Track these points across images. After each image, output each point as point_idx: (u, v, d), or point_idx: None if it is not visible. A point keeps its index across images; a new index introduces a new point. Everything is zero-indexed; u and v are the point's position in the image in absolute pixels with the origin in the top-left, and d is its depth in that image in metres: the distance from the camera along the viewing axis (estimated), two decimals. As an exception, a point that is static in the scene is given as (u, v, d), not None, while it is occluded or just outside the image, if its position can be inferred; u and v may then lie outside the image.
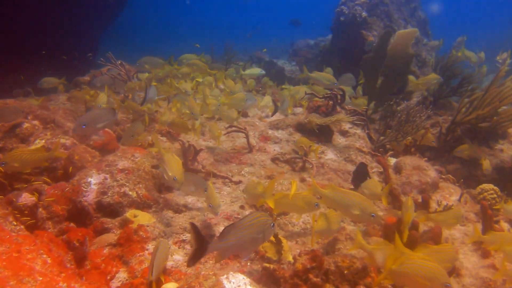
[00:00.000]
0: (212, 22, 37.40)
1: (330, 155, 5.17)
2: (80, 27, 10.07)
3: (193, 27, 34.99)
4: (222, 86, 6.73)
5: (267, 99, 6.00)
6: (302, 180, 4.40)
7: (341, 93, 6.08)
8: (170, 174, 2.82)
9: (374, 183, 3.48)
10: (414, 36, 7.25)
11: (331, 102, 6.00)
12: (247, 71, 8.06)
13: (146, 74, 6.82)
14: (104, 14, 11.51)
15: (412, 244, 2.89)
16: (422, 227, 3.59)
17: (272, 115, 6.12)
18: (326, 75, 5.54)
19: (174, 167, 2.86)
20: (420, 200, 4.12)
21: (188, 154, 3.97)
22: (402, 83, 6.96)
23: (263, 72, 7.88)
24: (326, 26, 15.42)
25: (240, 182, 4.10)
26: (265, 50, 15.06)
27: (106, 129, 4.55)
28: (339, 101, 6.04)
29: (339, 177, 4.59)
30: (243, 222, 2.07)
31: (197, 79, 6.74)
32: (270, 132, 5.47)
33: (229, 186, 4.06)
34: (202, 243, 1.94)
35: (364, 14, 10.56)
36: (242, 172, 4.32)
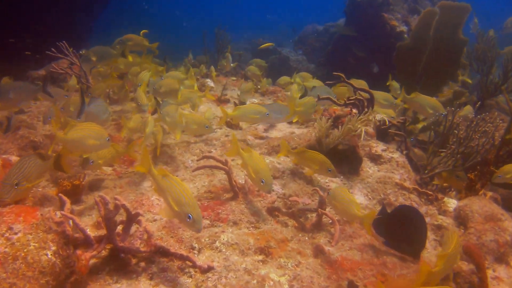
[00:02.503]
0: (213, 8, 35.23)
1: (358, 196, 3.42)
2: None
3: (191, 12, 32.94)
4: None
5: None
6: (318, 252, 2.65)
7: (369, 97, 4.30)
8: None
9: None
10: (467, 13, 5.39)
11: (355, 111, 4.22)
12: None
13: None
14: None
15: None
16: None
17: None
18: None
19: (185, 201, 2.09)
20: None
21: (113, 224, 2.22)
22: (450, 80, 5.12)
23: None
24: (337, 9, 13.68)
25: (210, 268, 2.33)
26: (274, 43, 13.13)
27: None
28: (366, 109, 4.25)
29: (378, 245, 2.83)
30: None
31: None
32: (267, 158, 3.70)
33: (191, 277, 2.29)
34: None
35: (386, -7, 8.75)
36: (217, 243, 2.55)
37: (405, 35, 8.57)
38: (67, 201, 2.35)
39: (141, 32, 5.22)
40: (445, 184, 4.05)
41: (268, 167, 2.83)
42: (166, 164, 3.54)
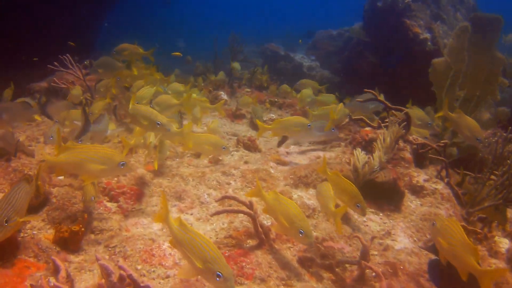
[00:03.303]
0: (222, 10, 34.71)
1: (402, 238, 2.96)
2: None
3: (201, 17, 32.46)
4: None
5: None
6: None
7: (405, 117, 3.83)
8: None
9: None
10: (501, 26, 4.91)
11: (397, 128, 3.76)
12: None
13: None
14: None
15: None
16: None
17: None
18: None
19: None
20: None
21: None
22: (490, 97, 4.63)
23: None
24: (351, 13, 13.20)
25: None
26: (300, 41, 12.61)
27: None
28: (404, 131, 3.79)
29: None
30: None
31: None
32: (295, 193, 3.23)
33: None
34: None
35: (407, -2, 8.25)
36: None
37: (429, 43, 8.08)
38: (62, 268, 1.90)
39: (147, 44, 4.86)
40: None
41: (302, 212, 2.37)
42: (179, 200, 3.08)
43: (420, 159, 4.13)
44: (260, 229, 2.52)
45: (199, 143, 3.63)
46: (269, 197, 2.44)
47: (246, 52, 8.42)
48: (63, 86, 5.02)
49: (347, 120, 4.25)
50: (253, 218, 2.49)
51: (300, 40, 12.65)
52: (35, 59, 6.74)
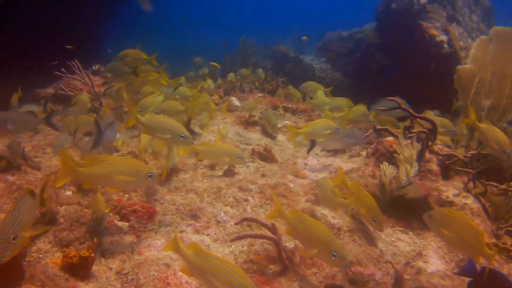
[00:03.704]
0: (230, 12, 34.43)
1: (434, 259, 2.76)
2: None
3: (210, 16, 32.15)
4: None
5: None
6: None
7: (431, 127, 3.62)
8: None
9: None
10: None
11: (416, 144, 3.55)
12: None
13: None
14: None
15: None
16: None
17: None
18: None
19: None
20: None
21: None
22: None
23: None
24: (363, 14, 12.98)
25: None
26: (305, 38, 12.32)
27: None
28: (430, 142, 3.58)
29: None
30: None
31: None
32: (318, 211, 3.02)
33: None
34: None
35: (423, 0, 8.02)
36: None
37: (445, 45, 7.86)
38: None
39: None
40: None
41: (331, 233, 2.17)
42: (195, 218, 2.88)
43: (445, 170, 3.91)
44: (283, 254, 2.31)
45: (215, 154, 3.50)
46: (291, 217, 2.24)
47: (256, 55, 8.19)
48: (71, 93, 4.83)
49: (368, 124, 4.07)
50: (277, 244, 2.29)
51: (304, 37, 12.32)
52: (55, 62, 6.62)
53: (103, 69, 4.81)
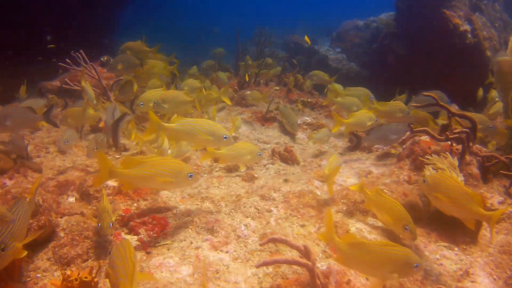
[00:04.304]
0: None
1: (482, 278, 2.42)
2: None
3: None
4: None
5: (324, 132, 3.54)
6: None
7: (471, 126, 3.25)
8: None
9: None
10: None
11: (456, 146, 3.19)
12: None
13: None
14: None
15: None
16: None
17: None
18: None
19: None
20: None
21: None
22: None
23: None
24: (379, 3, 12.58)
25: None
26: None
27: None
28: (470, 143, 3.22)
29: None
30: None
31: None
32: (352, 224, 2.67)
33: None
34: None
35: (446, -13, 7.61)
36: None
37: (469, 35, 7.45)
38: None
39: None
40: None
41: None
42: (211, 232, 2.54)
43: (484, 172, 3.55)
44: (318, 281, 1.97)
45: (237, 156, 3.24)
46: (345, 243, 1.91)
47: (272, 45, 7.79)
48: (76, 87, 4.51)
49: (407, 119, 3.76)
50: (311, 270, 1.94)
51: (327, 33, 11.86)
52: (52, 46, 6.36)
53: (111, 61, 4.56)
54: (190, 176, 2.38)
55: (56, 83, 5.74)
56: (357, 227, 2.58)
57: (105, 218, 2.37)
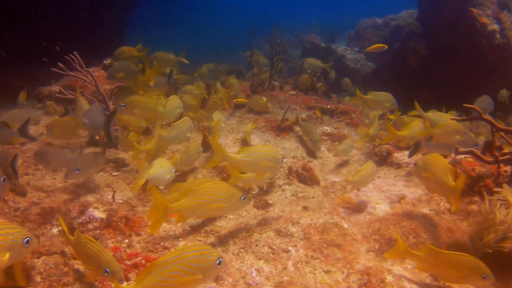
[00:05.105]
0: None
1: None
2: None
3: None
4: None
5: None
6: None
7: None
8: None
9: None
10: None
11: (504, 167, 2.71)
12: None
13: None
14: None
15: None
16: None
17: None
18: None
19: None
20: None
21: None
22: None
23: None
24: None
25: None
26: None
27: None
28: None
29: None
30: None
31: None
32: (388, 272, 2.20)
33: None
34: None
35: (473, -16, 7.11)
36: None
37: (497, 35, 6.97)
38: None
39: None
40: None
41: None
42: (215, 280, 2.08)
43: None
44: None
45: (256, 159, 2.61)
46: None
47: (288, 46, 7.30)
48: (71, 96, 4.09)
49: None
50: None
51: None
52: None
53: (110, 69, 4.19)
54: (243, 199, 2.28)
55: (54, 88, 5.35)
56: (395, 274, 2.10)
57: (109, 260, 1.91)
